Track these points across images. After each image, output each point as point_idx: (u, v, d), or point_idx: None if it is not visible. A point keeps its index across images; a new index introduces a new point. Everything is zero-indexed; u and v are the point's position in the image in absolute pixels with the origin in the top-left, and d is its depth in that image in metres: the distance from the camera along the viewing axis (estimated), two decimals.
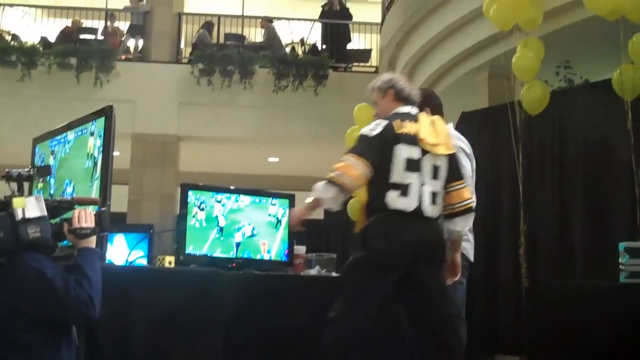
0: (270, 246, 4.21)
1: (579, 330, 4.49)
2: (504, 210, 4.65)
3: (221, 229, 4.05)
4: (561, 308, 4.75)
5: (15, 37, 13.03)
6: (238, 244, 4.09)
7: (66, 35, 12.80)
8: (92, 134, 3.57)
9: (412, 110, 3.75)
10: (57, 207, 2.86)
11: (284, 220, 4.27)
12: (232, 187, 4.24)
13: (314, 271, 4.28)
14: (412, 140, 3.58)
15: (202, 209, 4.04)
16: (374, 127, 3.60)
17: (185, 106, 12.13)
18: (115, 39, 13.26)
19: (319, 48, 13.21)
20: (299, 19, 14.51)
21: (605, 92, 5.51)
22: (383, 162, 3.52)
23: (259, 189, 4.43)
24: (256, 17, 13.95)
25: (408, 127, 3.60)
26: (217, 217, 4.06)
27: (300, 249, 4.37)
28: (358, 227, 3.67)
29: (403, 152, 3.55)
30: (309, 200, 3.63)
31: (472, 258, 4.18)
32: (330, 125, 11.45)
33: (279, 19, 14.01)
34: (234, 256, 4.04)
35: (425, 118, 3.71)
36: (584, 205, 5.48)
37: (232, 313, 3.51)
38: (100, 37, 13.02)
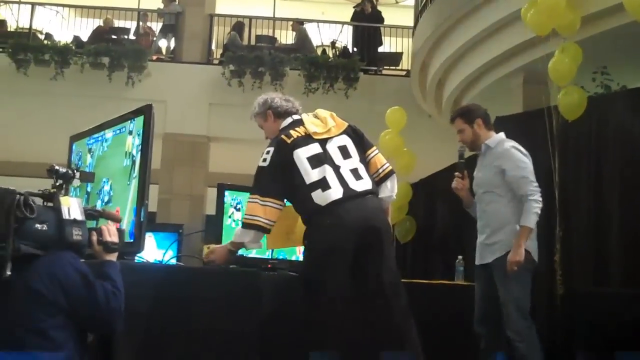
0: None
1: (615, 339, 4.42)
2: (540, 217, 4.58)
3: None
4: (597, 316, 4.69)
5: (48, 36, 13.16)
6: None
7: (99, 34, 12.91)
8: (130, 132, 3.59)
9: (295, 117, 3.82)
10: (89, 215, 2.90)
11: None
12: None
13: None
14: (306, 140, 3.64)
15: (238, 209, 4.03)
16: (265, 157, 3.66)
17: (216, 107, 12.17)
18: (147, 40, 13.34)
19: (350, 51, 13.19)
20: (329, 22, 14.50)
21: None
22: (289, 174, 3.57)
23: None
24: (287, 19, 13.96)
25: (295, 133, 3.67)
26: None
27: None
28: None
29: (302, 154, 3.59)
30: (228, 244, 3.66)
31: (536, 258, 4.22)
32: (360, 128, 11.39)
33: (309, 21, 14.01)
34: (270, 257, 4.03)
35: (307, 117, 3.79)
36: (621, 212, 5.39)
37: (268, 313, 3.49)
38: (132, 37, 13.10)
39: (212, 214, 4.16)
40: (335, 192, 3.53)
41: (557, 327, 5.41)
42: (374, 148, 3.82)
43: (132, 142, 3.53)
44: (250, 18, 13.50)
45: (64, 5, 14.65)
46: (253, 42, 13.07)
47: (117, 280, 2.74)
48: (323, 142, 3.65)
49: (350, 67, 11.95)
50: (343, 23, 14.04)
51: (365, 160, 3.72)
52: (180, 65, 12.59)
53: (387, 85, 12.30)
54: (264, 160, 3.65)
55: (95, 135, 3.92)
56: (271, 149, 3.66)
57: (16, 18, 13.63)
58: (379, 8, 14.17)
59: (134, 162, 3.47)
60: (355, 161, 3.67)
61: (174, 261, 4.85)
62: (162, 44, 13.45)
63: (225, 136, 12.30)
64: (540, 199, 4.27)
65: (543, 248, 4.78)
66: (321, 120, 3.75)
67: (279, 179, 3.58)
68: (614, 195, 5.53)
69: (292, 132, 3.68)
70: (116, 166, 3.63)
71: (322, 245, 3.48)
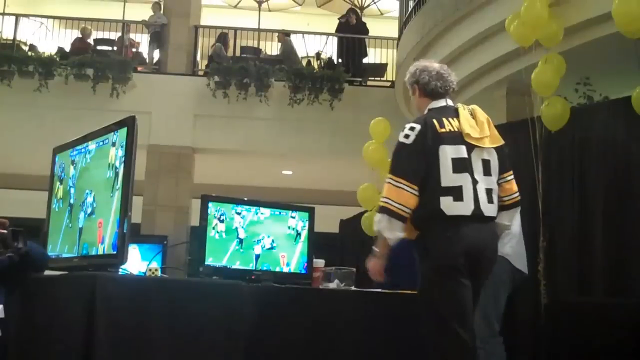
0: (290, 259, 4.18)
1: (599, 349, 4.44)
2: (523, 226, 4.61)
3: (241, 241, 4.03)
4: (581, 326, 4.70)
5: (32, 47, 13.12)
6: (257, 256, 4.06)
7: (82, 46, 12.87)
8: (113, 144, 3.57)
9: (448, 102, 3.57)
10: None
11: (304, 233, 4.25)
12: (252, 199, 4.22)
13: (333, 284, 4.24)
14: (457, 138, 3.39)
15: (222, 221, 4.02)
16: (409, 133, 3.41)
17: (201, 118, 12.17)
18: (131, 51, 13.32)
19: (335, 62, 13.23)
20: (314, 33, 14.54)
21: (626, 109, 5.47)
22: (429, 167, 3.33)
23: (279, 202, 4.41)
24: (272, 31, 13.99)
25: (449, 125, 3.41)
26: (236, 229, 4.04)
27: (319, 263, 4.34)
28: (409, 235, 3.45)
29: (448, 153, 3.35)
30: (376, 248, 3.51)
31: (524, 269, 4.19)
32: (345, 139, 11.48)
33: (294, 32, 14.04)
34: (254, 268, 4.02)
35: (463, 110, 3.51)
36: (604, 222, 5.43)
37: (252, 325, 3.48)
38: (114, 48, 13.07)
39: (197, 225, 4.14)
40: (465, 207, 3.32)
41: (542, 337, 5.43)
42: (511, 172, 3.55)
43: (116, 154, 3.52)
44: (236, 29, 13.52)
45: (48, 17, 14.62)
46: (238, 53, 13.09)
47: None
48: (470, 148, 3.38)
49: (335, 78, 11.99)
50: (328, 34, 14.09)
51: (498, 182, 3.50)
52: (165, 76, 12.59)
53: (371, 96, 12.34)
54: (407, 136, 3.39)
55: (79, 147, 3.90)
56: (418, 127, 3.39)
57: (0, 27, 13.57)
58: (364, 19, 14.24)
59: (117, 174, 3.45)
60: (493, 181, 3.44)
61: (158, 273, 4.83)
62: (155, 55, 13.42)
63: (210, 147, 12.31)
64: None
65: (527, 258, 4.81)
66: (478, 124, 3.46)
67: (417, 160, 3.33)
68: (598, 204, 5.56)
69: (445, 121, 3.40)
70: (99, 178, 3.60)
71: (444, 259, 3.33)
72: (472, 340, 3.32)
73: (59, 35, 13.98)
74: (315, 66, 13.10)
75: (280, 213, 4.23)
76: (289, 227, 4.22)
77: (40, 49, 12.88)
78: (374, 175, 8.56)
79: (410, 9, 10.26)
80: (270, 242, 4.13)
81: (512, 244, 4.19)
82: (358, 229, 8.93)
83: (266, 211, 4.18)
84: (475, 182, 3.36)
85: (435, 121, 3.40)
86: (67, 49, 12.99)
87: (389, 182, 3.35)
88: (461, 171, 3.35)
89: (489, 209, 3.39)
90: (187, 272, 5.87)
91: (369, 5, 16.72)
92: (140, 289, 3.16)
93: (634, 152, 5.45)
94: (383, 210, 3.34)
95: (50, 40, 13.84)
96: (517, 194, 3.58)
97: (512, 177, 3.55)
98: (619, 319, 4.54)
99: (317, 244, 4.33)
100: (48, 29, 14.38)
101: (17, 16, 13.45)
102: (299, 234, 4.25)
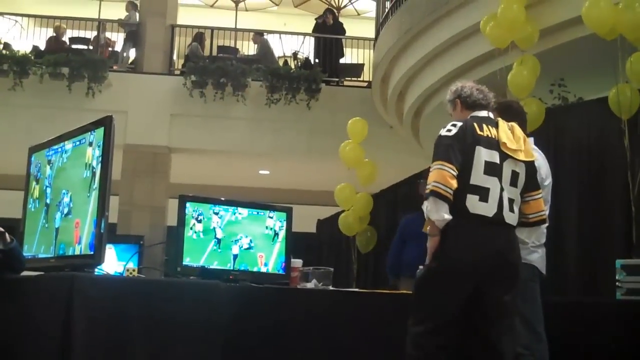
0: (268, 259, 4.19)
1: (574, 348, 4.48)
2: None
3: (218, 241, 4.04)
4: (556, 325, 4.74)
5: (6, 45, 13.00)
6: (235, 256, 4.07)
7: (52, 44, 12.79)
8: (90, 144, 3.56)
9: (490, 114, 3.70)
10: None
11: (281, 233, 4.26)
12: (230, 199, 4.22)
13: (310, 284, 4.26)
14: (493, 143, 3.52)
15: (200, 221, 4.02)
16: (451, 128, 3.53)
17: (177, 118, 12.14)
18: (107, 50, 13.25)
19: (312, 62, 13.24)
20: (291, 33, 14.55)
21: (601, 110, 5.52)
22: (463, 164, 3.45)
23: (257, 202, 4.42)
24: (248, 30, 13.99)
25: (487, 131, 3.54)
26: (214, 229, 4.04)
27: (297, 262, 4.35)
28: (426, 228, 3.54)
29: (483, 155, 3.48)
30: (429, 229, 3.51)
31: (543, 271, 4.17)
32: (322, 139, 11.50)
33: (271, 32, 14.04)
34: (232, 268, 4.03)
35: (503, 123, 3.64)
36: (579, 223, 5.47)
37: (229, 325, 3.49)
38: (90, 47, 13.00)
39: (174, 225, 4.14)
40: (489, 209, 3.43)
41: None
42: (540, 191, 3.69)
43: (92, 154, 3.51)
44: (212, 29, 13.49)
45: (22, 15, 14.50)
46: (215, 52, 13.07)
47: None
48: (504, 157, 3.52)
49: (312, 78, 12.01)
50: (305, 34, 14.10)
51: (522, 197, 3.61)
52: (142, 75, 12.53)
53: (348, 96, 12.37)
54: (449, 130, 3.51)
55: (55, 147, 3.88)
56: (459, 124, 3.53)
57: None
58: (341, 19, 14.26)
59: (94, 174, 3.44)
60: (517, 193, 3.57)
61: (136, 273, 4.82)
62: (131, 54, 13.35)
63: (187, 147, 12.28)
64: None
65: None
66: (514, 137, 3.60)
67: (456, 150, 3.43)
68: (572, 205, 5.61)
69: (484, 126, 3.54)
70: (76, 178, 3.59)
71: (457, 260, 3.42)
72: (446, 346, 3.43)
73: (34, 34, 13.88)
74: (292, 66, 13.11)
75: (258, 213, 4.25)
76: (266, 227, 4.24)
77: (15, 48, 12.76)
78: (351, 175, 8.59)
79: (387, 10, 10.30)
80: (248, 242, 4.14)
81: (539, 252, 4.19)
82: (335, 228, 8.95)
83: (244, 211, 4.19)
84: (502, 189, 3.50)
85: (475, 124, 3.55)
86: (42, 47, 12.89)
87: (433, 168, 3.45)
88: (491, 175, 3.48)
89: (510, 217, 3.52)
90: (164, 272, 5.86)
91: (345, 6, 16.77)
92: (118, 289, 3.15)
93: (609, 152, 5.50)
94: (429, 194, 3.42)
95: (25, 39, 13.73)
96: (544, 212, 3.72)
97: (540, 196, 3.69)
98: (594, 318, 4.59)
99: (295, 244, 4.35)
100: (22, 27, 14.27)
101: None
102: (276, 234, 4.26)
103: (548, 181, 4.23)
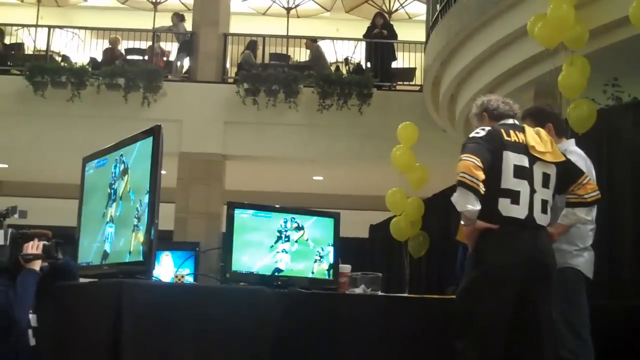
0: (316, 264, 4.21)
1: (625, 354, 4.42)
2: None
3: (268, 247, 4.07)
4: (612, 329, 4.67)
5: (65, 58, 13.33)
6: (284, 262, 4.10)
7: (108, 55, 13.06)
8: (139, 153, 3.63)
9: (516, 122, 3.78)
10: (21, 238, 3.74)
11: (330, 239, 4.27)
12: (277, 206, 4.25)
13: (359, 290, 4.27)
14: (521, 148, 3.59)
15: (254, 228, 4.05)
16: (479, 131, 3.62)
17: (231, 125, 12.27)
18: (161, 60, 13.47)
19: (364, 67, 13.25)
20: (342, 39, 14.58)
21: None
22: (492, 167, 3.51)
23: (305, 208, 4.44)
24: (300, 37, 14.07)
25: (515, 136, 3.61)
26: (264, 235, 4.08)
27: (346, 268, 4.36)
28: (460, 236, 3.65)
29: (511, 159, 3.55)
30: (462, 220, 3.59)
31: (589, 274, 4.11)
32: (375, 144, 11.49)
33: (322, 38, 14.09)
34: (281, 274, 4.06)
35: (529, 129, 3.71)
36: (634, 225, 5.39)
37: (278, 331, 3.52)
38: (145, 57, 13.24)
39: None
40: (521, 211, 3.51)
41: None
42: (586, 175, 3.75)
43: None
44: (264, 37, 13.61)
45: (80, 28, 14.85)
46: (267, 60, 13.18)
47: (21, 287, 3.56)
48: (533, 160, 3.60)
49: (363, 84, 12.02)
50: (356, 39, 14.12)
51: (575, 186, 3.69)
52: (195, 84, 12.72)
53: (400, 101, 12.35)
54: (478, 132, 3.61)
55: (106, 157, 3.96)
56: (488, 128, 3.63)
57: (33, 39, 13.81)
58: (392, 23, 14.24)
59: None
60: (549, 194, 3.64)
61: (190, 279, 4.89)
62: (185, 63, 13.56)
63: (241, 154, 12.40)
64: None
65: None
66: (542, 141, 3.67)
67: (483, 149, 3.50)
68: (627, 206, 5.52)
69: (511, 132, 3.62)
70: (128, 186, 3.67)
71: (497, 265, 3.48)
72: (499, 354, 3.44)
73: (91, 46, 14.19)
74: (344, 71, 13.14)
75: (306, 219, 4.27)
76: (315, 233, 4.25)
77: (73, 60, 13.07)
78: (403, 180, 8.57)
79: (437, 13, 10.26)
80: (296, 247, 4.17)
81: (584, 256, 4.13)
82: (387, 233, 8.94)
83: (293, 217, 4.21)
84: (533, 192, 3.56)
85: (502, 130, 3.62)
86: (99, 59, 13.17)
87: (461, 160, 3.48)
88: (521, 178, 3.55)
89: (542, 219, 3.58)
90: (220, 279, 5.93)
91: (397, 10, 16.73)
92: (165, 296, 3.20)
93: None
94: (458, 184, 3.47)
95: (82, 50, 14.05)
96: (598, 192, 3.76)
97: (589, 178, 3.76)
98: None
99: (347, 249, 4.36)
100: (80, 38, 14.61)
101: (50, 27, 13.65)
102: (325, 240, 4.27)
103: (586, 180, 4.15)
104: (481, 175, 3.41)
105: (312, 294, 3.99)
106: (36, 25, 14.21)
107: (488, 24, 8.27)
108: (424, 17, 13.68)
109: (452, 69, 9.72)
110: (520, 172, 3.55)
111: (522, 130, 3.67)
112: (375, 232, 11.33)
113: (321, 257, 4.22)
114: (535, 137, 3.66)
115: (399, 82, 13.43)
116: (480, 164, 3.43)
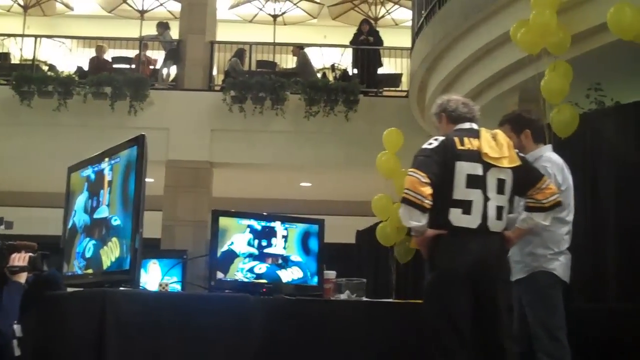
0: (300, 271, 4.23)
1: (611, 355, 4.45)
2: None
3: (252, 255, 4.10)
4: (594, 332, 4.71)
5: (52, 67, 13.30)
6: (268, 269, 4.12)
7: (95, 64, 13.05)
8: (125, 162, 3.64)
9: (473, 126, 3.80)
10: (7, 249, 3.76)
11: (314, 245, 4.30)
12: (263, 213, 4.28)
13: (344, 296, 4.30)
14: (474, 156, 3.62)
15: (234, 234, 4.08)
16: (432, 142, 3.65)
17: (218, 133, 12.28)
18: (147, 68, 13.47)
19: (350, 73, 13.28)
20: (329, 45, 14.61)
21: (636, 113, 5.48)
22: (444, 179, 3.55)
23: (289, 215, 4.47)
24: (287, 44, 14.09)
25: (469, 144, 3.64)
26: (248, 242, 4.10)
27: (330, 274, 4.39)
28: (413, 244, 3.78)
29: (464, 169, 3.58)
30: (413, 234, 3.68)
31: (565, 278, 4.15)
32: (361, 150, 11.51)
33: (309, 45, 14.13)
34: (265, 281, 4.08)
35: (486, 133, 3.73)
36: (616, 229, 5.42)
37: (263, 338, 3.54)
38: (132, 65, 13.23)
39: None
40: (472, 221, 3.56)
41: None
42: (545, 178, 3.77)
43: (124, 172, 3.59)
44: (251, 44, 13.64)
45: (66, 37, 14.83)
46: (254, 67, 13.20)
47: (7, 299, 3.53)
48: (487, 167, 3.62)
49: (350, 90, 12.06)
50: (342, 46, 14.16)
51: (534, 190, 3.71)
52: (182, 92, 12.72)
53: (387, 107, 12.39)
54: (430, 144, 3.63)
55: (91, 166, 3.98)
56: (441, 139, 3.65)
57: (20, 48, 13.78)
58: (379, 29, 14.28)
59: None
60: (504, 199, 3.67)
61: (177, 286, 4.90)
62: (172, 70, 13.56)
63: (228, 161, 12.40)
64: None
65: None
66: (497, 145, 3.69)
67: (433, 161, 3.55)
68: (610, 211, 5.56)
69: (465, 139, 3.65)
70: (113, 195, 3.68)
71: (446, 269, 3.57)
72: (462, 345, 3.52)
73: (78, 55, 14.17)
74: (331, 78, 13.16)
75: (290, 226, 4.30)
76: (299, 239, 4.28)
77: (60, 69, 13.05)
78: (389, 185, 8.59)
79: (422, 19, 10.31)
80: (281, 254, 4.19)
81: (560, 260, 4.17)
82: (374, 239, 8.95)
83: (277, 224, 4.25)
84: (486, 199, 3.59)
85: (456, 138, 3.65)
86: (87, 68, 13.16)
87: (407, 175, 3.56)
88: (474, 187, 3.58)
89: (496, 225, 3.63)
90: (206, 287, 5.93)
91: (383, 16, 16.77)
92: (149, 305, 3.22)
93: None
94: (402, 200, 3.54)
95: (69, 59, 14.03)
96: (557, 195, 3.77)
97: (548, 182, 3.77)
98: (632, 324, 4.55)
99: (334, 254, 4.39)
100: (67, 47, 14.58)
101: (37, 37, 13.62)
102: (309, 246, 4.30)
103: (564, 187, 4.19)
104: (426, 190, 3.46)
105: (297, 300, 4.02)
106: (22, 35, 14.17)
107: (472, 30, 8.31)
108: (409, 24, 13.75)
109: (438, 75, 9.76)
110: (474, 181, 3.59)
111: (477, 136, 3.69)
112: (361, 238, 11.35)
113: (306, 263, 4.25)
114: (491, 142, 3.68)
115: (385, 88, 13.46)
116: (425, 180, 3.48)
